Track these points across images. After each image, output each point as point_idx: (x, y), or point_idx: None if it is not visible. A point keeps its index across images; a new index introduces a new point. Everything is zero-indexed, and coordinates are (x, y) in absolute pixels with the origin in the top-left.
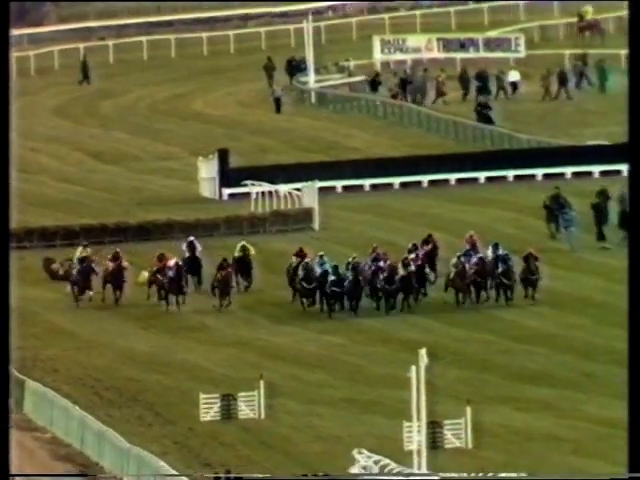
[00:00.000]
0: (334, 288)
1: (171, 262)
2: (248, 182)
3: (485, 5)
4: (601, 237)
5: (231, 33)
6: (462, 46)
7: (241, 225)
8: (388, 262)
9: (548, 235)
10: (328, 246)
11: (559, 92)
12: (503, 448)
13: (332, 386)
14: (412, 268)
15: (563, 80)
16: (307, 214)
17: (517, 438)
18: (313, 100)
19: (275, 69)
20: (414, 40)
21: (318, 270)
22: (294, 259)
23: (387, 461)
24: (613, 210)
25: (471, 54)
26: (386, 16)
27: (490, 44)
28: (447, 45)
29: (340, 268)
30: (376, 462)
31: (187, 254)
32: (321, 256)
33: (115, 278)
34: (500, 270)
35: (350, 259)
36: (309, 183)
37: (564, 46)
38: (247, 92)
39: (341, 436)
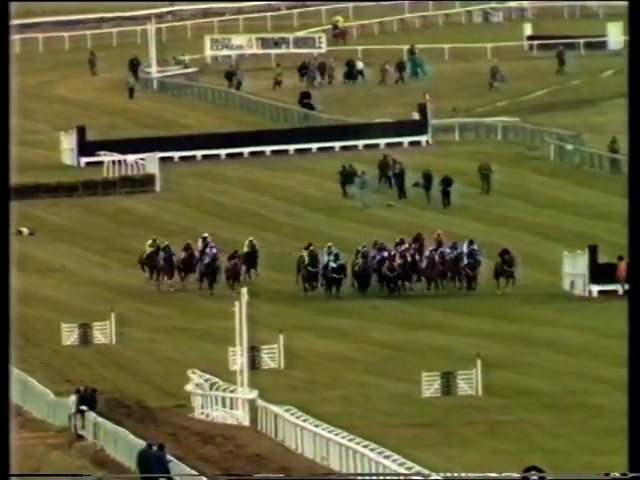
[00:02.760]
0: (334, 274)
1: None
2: (101, 152)
3: (295, 11)
4: (403, 196)
5: (88, 33)
6: (276, 44)
7: (96, 187)
8: (392, 252)
9: (342, 195)
10: (167, 205)
11: (399, 78)
12: (308, 369)
13: (170, 317)
14: (409, 258)
15: (401, 68)
16: (150, 179)
17: (319, 360)
18: (155, 87)
19: (97, 58)
20: (238, 39)
21: (325, 258)
22: (304, 252)
23: (216, 380)
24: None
25: (283, 50)
26: (215, 20)
27: (298, 42)
28: (264, 43)
29: (341, 256)
30: (207, 380)
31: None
32: (329, 247)
33: (186, 265)
34: (466, 262)
35: (360, 248)
36: (151, 154)
37: (356, 43)
38: (101, 80)
39: (178, 359)
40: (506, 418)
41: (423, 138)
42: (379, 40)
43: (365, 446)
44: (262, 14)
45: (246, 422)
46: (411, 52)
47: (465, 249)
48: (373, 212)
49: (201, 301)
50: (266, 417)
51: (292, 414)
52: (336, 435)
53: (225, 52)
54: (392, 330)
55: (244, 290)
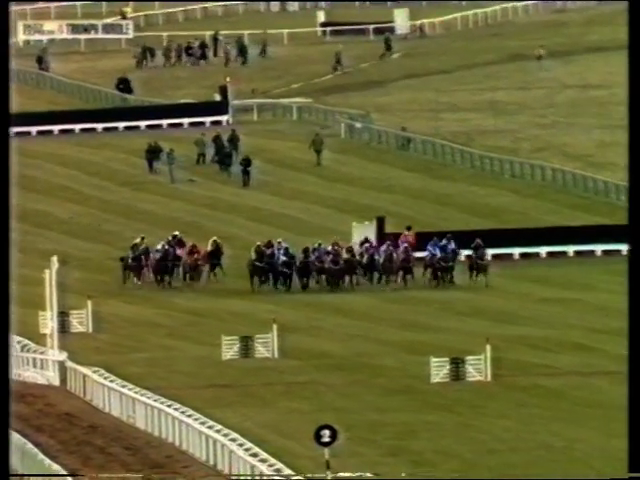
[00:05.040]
0: (285, 269)
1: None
2: None
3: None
4: (224, 170)
5: None
6: (86, 30)
7: None
8: (336, 248)
9: (148, 171)
10: None
11: (243, 61)
12: (115, 332)
13: None
14: (357, 254)
15: (243, 51)
16: None
17: (125, 324)
18: None
19: None
20: (49, 25)
21: (276, 254)
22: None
23: (27, 342)
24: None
25: (92, 35)
26: (27, 7)
27: (107, 28)
28: (74, 29)
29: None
30: (19, 342)
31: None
32: (280, 242)
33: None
34: (439, 256)
35: (316, 245)
36: None
37: (162, 30)
38: None
39: None
40: (300, 379)
41: (224, 118)
42: (184, 27)
43: (169, 406)
44: (72, 2)
45: (56, 382)
46: (215, 38)
47: (451, 246)
48: (177, 187)
49: (14, 268)
50: (75, 378)
51: (100, 375)
52: (141, 395)
53: (37, 37)
54: (194, 297)
55: (54, 258)
